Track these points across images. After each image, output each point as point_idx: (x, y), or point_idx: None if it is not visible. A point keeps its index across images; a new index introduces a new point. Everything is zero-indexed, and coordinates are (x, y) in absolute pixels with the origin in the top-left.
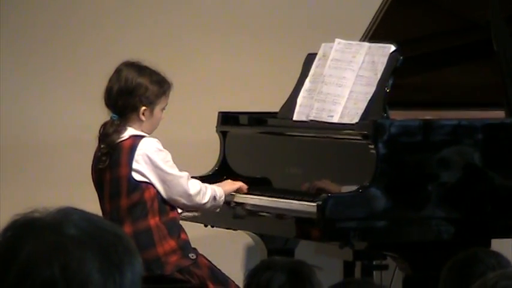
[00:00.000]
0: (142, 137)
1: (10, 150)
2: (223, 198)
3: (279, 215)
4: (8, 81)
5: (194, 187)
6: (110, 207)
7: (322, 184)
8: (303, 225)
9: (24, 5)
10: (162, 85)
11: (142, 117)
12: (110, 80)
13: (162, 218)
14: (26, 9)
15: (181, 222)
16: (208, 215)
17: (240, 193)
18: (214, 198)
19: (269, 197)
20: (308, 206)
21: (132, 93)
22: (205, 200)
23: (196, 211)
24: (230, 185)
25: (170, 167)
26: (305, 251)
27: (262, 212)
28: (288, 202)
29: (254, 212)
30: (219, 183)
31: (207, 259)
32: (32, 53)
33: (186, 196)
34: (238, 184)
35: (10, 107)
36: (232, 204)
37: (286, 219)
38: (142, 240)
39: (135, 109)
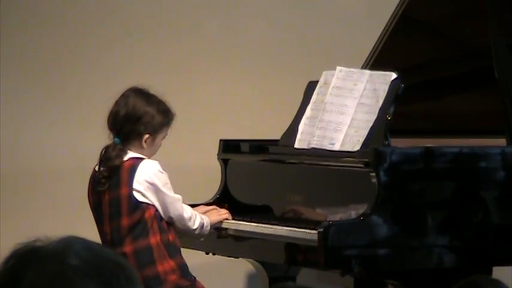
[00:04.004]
0: (143, 159)
1: (12, 178)
2: (209, 227)
3: (281, 242)
4: (10, 108)
5: (187, 212)
6: (110, 228)
7: (324, 212)
8: (304, 252)
9: (28, 31)
10: (167, 115)
11: (144, 144)
12: (117, 104)
13: (162, 238)
14: (30, 36)
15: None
16: (209, 242)
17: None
18: (202, 226)
19: (270, 224)
20: (310, 234)
21: (139, 120)
22: (195, 226)
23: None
24: (216, 216)
25: (169, 190)
26: (306, 279)
27: (264, 239)
28: (289, 230)
29: (255, 240)
30: (207, 213)
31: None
32: (35, 81)
33: (180, 219)
34: (224, 215)
35: (12, 134)
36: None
37: (287, 247)
38: (142, 257)
39: (139, 136)
